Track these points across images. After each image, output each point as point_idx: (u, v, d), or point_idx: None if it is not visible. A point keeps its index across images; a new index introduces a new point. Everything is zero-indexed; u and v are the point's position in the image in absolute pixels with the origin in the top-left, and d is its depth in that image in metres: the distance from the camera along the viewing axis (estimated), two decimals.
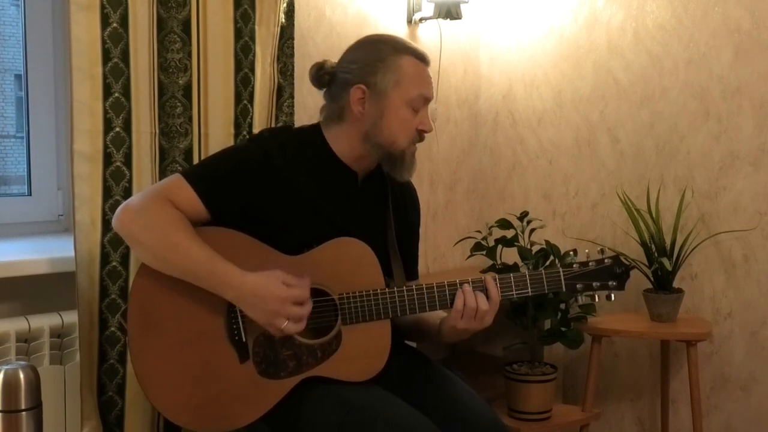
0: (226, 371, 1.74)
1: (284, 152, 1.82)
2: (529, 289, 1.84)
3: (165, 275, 1.72)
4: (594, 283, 1.87)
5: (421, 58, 1.87)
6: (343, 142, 1.86)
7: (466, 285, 1.80)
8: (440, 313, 1.87)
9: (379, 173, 1.94)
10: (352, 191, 1.88)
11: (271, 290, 1.67)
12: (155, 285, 1.74)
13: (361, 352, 1.77)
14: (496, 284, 1.81)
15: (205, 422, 1.75)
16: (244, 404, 1.74)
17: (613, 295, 1.89)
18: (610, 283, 1.88)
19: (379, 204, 1.94)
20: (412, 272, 2.00)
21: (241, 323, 1.74)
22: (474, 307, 1.78)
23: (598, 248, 1.94)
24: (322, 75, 1.89)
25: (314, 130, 1.90)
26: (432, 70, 1.90)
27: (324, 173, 1.85)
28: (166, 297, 1.74)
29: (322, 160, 1.86)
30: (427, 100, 1.87)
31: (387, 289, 1.79)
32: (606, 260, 1.89)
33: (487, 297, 1.80)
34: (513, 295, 1.84)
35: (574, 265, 1.87)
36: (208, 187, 1.77)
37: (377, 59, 1.83)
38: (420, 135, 1.87)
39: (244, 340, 1.75)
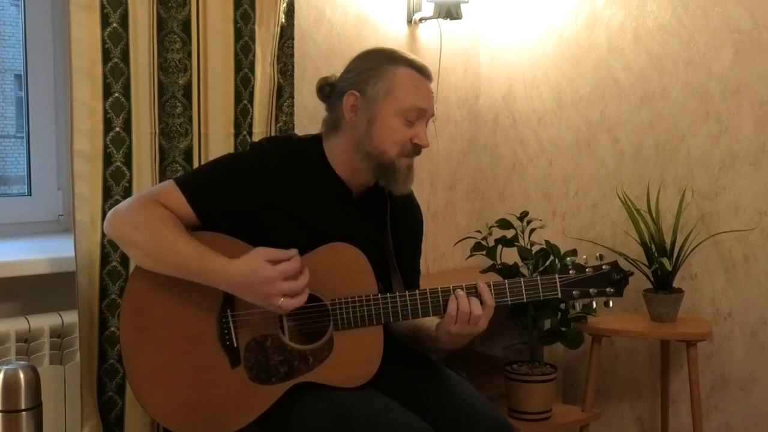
0: (217, 376, 1.73)
1: (282, 163, 1.81)
2: (524, 296, 1.82)
3: (159, 278, 1.71)
4: (591, 290, 1.84)
5: (420, 70, 1.84)
6: (339, 154, 1.85)
7: (459, 290, 1.78)
8: (435, 320, 1.84)
9: (379, 190, 1.91)
10: (347, 207, 1.87)
11: (258, 274, 1.65)
12: (149, 287, 1.73)
13: (353, 359, 1.76)
14: (491, 290, 1.79)
15: (196, 426, 1.74)
16: (234, 409, 1.73)
17: (611, 302, 1.86)
18: (607, 289, 1.85)
19: (377, 220, 1.91)
20: (411, 287, 1.95)
21: (232, 328, 1.74)
22: (467, 311, 1.76)
23: (597, 254, 1.91)
24: (323, 87, 1.90)
25: (315, 141, 1.89)
26: (432, 70, 1.87)
27: (319, 187, 1.84)
28: (159, 300, 1.73)
29: (318, 174, 1.84)
30: (421, 111, 1.82)
31: (380, 295, 1.77)
32: (604, 266, 1.85)
33: (481, 302, 1.78)
34: (507, 301, 1.81)
35: (571, 271, 1.84)
36: (200, 195, 1.76)
37: (372, 67, 1.82)
38: (415, 148, 1.83)
39: (235, 345, 1.74)
